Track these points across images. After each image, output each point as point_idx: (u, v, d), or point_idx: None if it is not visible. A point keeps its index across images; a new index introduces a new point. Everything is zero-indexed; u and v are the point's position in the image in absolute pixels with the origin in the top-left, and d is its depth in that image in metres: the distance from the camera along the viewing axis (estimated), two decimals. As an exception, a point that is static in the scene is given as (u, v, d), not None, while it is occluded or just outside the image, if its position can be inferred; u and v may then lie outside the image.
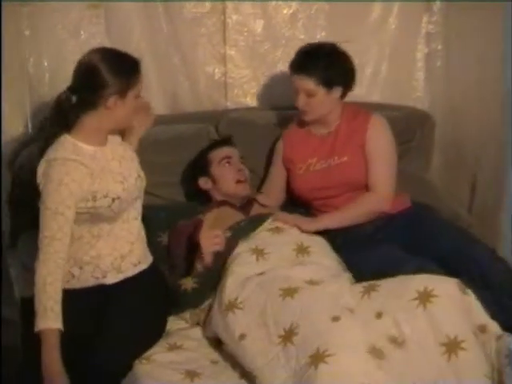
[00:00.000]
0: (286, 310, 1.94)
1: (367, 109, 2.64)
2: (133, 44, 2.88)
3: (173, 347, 2.05)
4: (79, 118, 2.00)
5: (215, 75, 3.08)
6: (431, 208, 2.60)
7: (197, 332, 2.18)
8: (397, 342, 1.84)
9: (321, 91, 2.43)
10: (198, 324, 2.21)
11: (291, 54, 3.03)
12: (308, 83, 2.42)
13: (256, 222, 2.31)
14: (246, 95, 3.09)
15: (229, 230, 2.28)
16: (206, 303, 2.19)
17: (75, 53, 2.73)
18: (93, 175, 1.99)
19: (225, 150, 2.57)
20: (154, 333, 2.09)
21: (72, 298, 1.96)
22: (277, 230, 2.29)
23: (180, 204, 2.72)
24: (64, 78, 2.78)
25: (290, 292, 1.98)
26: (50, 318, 1.85)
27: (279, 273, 2.10)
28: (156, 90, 2.93)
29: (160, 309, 2.14)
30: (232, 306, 2.02)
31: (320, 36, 3.06)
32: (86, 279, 2.08)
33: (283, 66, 2.98)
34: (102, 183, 2.01)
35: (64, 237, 1.92)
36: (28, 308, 1.93)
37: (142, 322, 2.02)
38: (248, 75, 3.08)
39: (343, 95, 2.52)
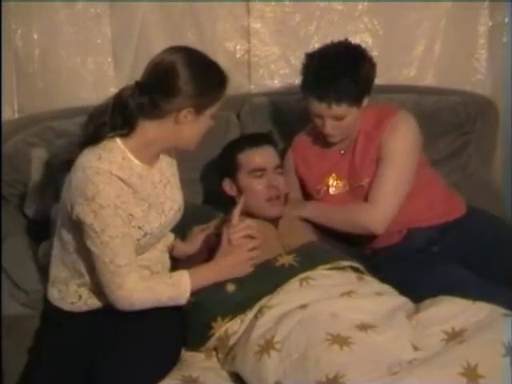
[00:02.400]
0: (333, 357, 1.86)
1: (400, 103, 2.56)
2: (140, 14, 2.86)
3: (188, 380, 1.98)
4: (138, 123, 1.90)
5: (237, 53, 3.03)
6: (489, 215, 2.49)
7: (214, 362, 2.11)
8: None
9: (353, 111, 2.30)
10: (214, 350, 2.13)
11: (327, 29, 3.06)
12: (338, 110, 2.27)
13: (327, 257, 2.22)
14: (273, 77, 3.04)
15: (295, 252, 2.19)
16: (222, 330, 2.11)
17: (70, 24, 2.83)
18: (136, 196, 1.92)
19: (259, 156, 2.37)
20: (166, 361, 2.01)
21: (76, 321, 1.96)
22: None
23: (193, 205, 2.61)
24: (56, 54, 2.87)
25: (338, 340, 1.90)
26: (180, 281, 1.98)
27: (324, 309, 2.02)
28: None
29: (174, 335, 2.06)
30: (268, 346, 1.95)
31: (362, 7, 3.00)
32: (94, 303, 2.03)
33: (318, 43, 2.93)
34: (144, 211, 1.95)
35: (135, 254, 1.94)
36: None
37: (154, 349, 1.96)
38: (276, 53, 3.03)
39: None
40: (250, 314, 2.08)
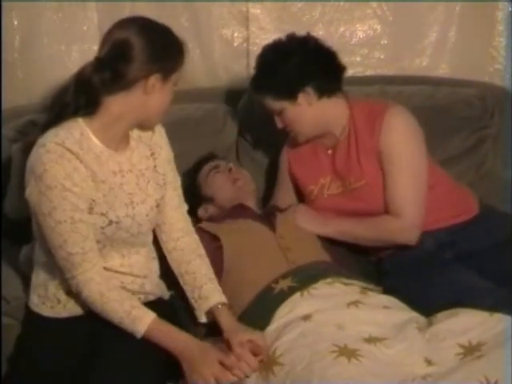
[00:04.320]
0: (340, 371, 1.83)
1: (397, 102, 2.51)
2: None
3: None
4: (103, 100, 1.91)
5: (235, 41, 3.02)
6: (505, 215, 2.48)
7: None
8: None
9: (285, 105, 2.36)
10: None
11: (332, 14, 3.04)
12: (267, 103, 2.39)
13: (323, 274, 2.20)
14: None
15: (292, 275, 2.17)
16: None
17: (53, 9, 2.82)
18: (95, 180, 1.92)
19: (209, 165, 2.57)
20: (153, 380, 1.96)
21: (57, 329, 1.97)
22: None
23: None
24: (39, 42, 2.86)
25: (346, 352, 1.88)
26: (138, 318, 1.90)
27: (329, 320, 2.00)
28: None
29: (161, 356, 1.98)
30: (271, 363, 1.93)
31: (370, -8, 2.97)
32: (74, 308, 2.02)
33: (322, 30, 2.94)
34: (105, 196, 1.94)
35: (93, 244, 1.92)
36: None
37: (139, 368, 1.91)
38: None
39: (329, 92, 2.38)
40: None
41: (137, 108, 1.93)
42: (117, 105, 1.91)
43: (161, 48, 1.92)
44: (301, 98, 2.33)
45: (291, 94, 2.33)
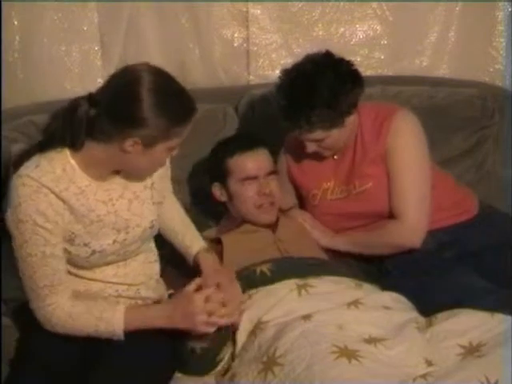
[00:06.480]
0: (341, 372, 1.84)
1: (397, 102, 2.52)
2: (128, -1, 2.79)
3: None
4: (86, 141, 1.84)
5: (235, 41, 3.01)
6: (504, 215, 2.50)
7: (210, 377, 2.09)
8: None
9: (333, 132, 2.29)
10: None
11: (332, 15, 3.03)
12: (314, 135, 2.28)
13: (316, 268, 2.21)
14: (273, 67, 3.00)
15: (272, 262, 2.19)
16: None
17: (53, 9, 2.80)
18: (73, 213, 1.88)
19: (250, 163, 2.35)
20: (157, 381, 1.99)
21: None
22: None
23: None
24: (39, 42, 2.84)
25: (346, 353, 1.88)
26: (110, 317, 1.91)
27: (329, 320, 2.01)
28: (158, 59, 2.77)
29: (166, 358, 2.01)
30: (271, 363, 1.93)
31: (371, -8, 2.96)
32: None
33: (322, 30, 2.97)
34: (86, 228, 1.91)
35: (63, 276, 1.91)
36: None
37: (144, 369, 1.93)
38: (277, 41, 3.01)
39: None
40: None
41: (117, 162, 1.86)
42: (97, 151, 1.84)
43: (164, 118, 1.78)
44: (347, 120, 2.29)
45: (343, 121, 2.28)
